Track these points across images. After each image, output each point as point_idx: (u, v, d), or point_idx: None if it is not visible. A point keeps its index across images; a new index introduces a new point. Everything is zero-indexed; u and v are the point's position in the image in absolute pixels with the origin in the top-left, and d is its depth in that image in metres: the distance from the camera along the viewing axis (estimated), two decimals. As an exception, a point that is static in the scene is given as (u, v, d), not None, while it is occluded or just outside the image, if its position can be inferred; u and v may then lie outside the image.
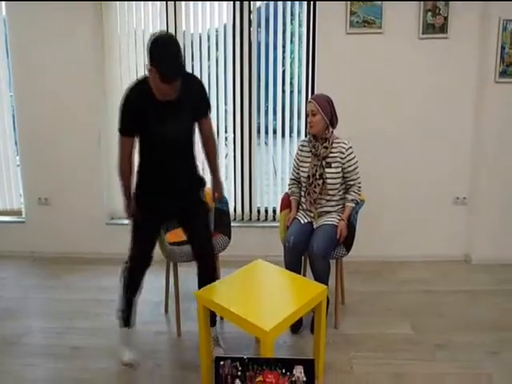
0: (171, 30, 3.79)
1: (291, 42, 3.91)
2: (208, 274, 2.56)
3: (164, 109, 2.22)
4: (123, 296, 2.54)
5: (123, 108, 2.27)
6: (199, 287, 2.52)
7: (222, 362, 1.91)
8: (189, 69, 3.87)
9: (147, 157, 2.41)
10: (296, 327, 2.82)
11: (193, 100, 2.32)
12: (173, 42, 2.14)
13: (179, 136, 2.36)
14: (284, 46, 3.86)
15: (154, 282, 3.47)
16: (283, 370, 1.89)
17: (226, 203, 3.11)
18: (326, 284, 2.52)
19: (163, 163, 2.39)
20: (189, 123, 2.39)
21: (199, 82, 2.42)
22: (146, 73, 2.16)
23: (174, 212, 2.55)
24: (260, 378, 1.89)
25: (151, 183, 2.44)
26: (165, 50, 2.09)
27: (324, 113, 2.78)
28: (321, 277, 2.65)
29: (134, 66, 3.91)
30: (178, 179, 2.43)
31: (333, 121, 2.86)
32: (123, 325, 2.58)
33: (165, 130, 2.28)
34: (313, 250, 2.68)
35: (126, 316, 2.57)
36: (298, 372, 1.89)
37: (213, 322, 2.62)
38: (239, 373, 1.90)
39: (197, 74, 3.87)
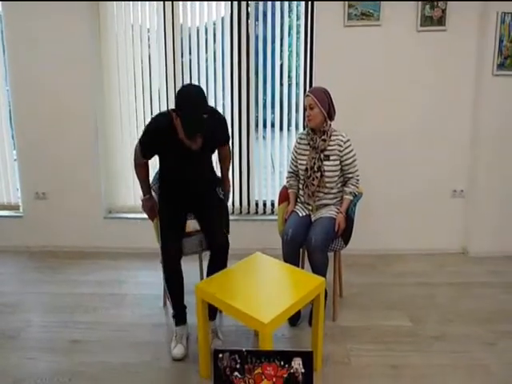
0: (168, 24, 3.78)
1: (289, 35, 3.89)
2: (219, 264, 2.64)
3: (185, 151, 2.39)
4: (171, 296, 2.63)
5: (149, 133, 2.48)
6: (208, 275, 2.63)
7: (220, 355, 1.92)
8: (186, 62, 3.86)
9: (166, 173, 2.71)
10: (294, 320, 2.83)
11: (214, 136, 2.51)
12: (196, 93, 2.28)
13: (196, 173, 2.61)
14: (282, 39, 3.84)
15: (153, 276, 3.50)
16: (282, 362, 1.90)
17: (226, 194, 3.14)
18: (324, 276, 2.53)
19: (182, 178, 2.62)
20: (208, 155, 2.68)
21: (221, 119, 2.64)
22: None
23: (192, 206, 2.76)
24: (259, 370, 1.90)
25: (171, 192, 2.72)
26: (188, 104, 2.24)
27: (322, 106, 2.78)
28: (319, 269, 2.66)
29: (132, 59, 3.89)
30: (194, 186, 2.67)
31: (331, 113, 2.86)
32: (177, 324, 2.65)
33: (183, 170, 2.55)
34: (311, 242, 2.68)
35: (179, 315, 2.65)
36: (297, 364, 1.90)
37: (213, 316, 2.65)
38: (238, 365, 1.91)
39: (194, 67, 3.86)
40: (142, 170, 2.71)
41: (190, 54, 3.87)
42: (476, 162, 3.83)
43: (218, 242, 2.67)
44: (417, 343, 2.67)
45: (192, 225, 2.78)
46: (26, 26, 3.70)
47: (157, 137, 2.46)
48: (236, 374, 1.91)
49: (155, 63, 3.92)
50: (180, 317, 2.65)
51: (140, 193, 2.83)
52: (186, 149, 2.38)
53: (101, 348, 2.63)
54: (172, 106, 3.83)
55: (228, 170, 3.01)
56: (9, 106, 4.01)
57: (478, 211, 3.90)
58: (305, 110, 2.88)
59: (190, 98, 2.26)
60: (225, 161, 2.92)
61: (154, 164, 2.81)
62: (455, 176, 3.92)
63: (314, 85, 3.73)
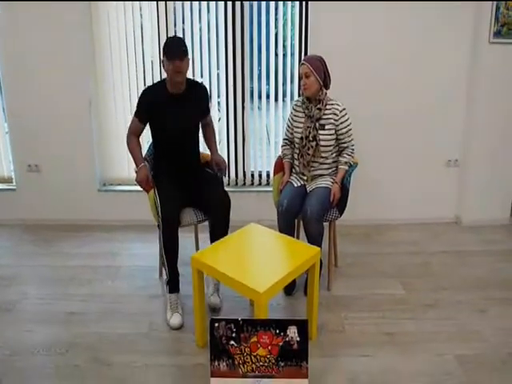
0: (161, 1, 3.67)
1: (283, 3, 3.80)
2: (223, 223, 2.75)
3: (174, 101, 2.73)
4: (165, 261, 2.67)
5: (141, 97, 2.79)
6: (212, 241, 2.71)
7: (216, 324, 1.93)
8: (179, 33, 3.78)
9: (159, 144, 2.90)
10: (289, 289, 2.85)
11: (199, 100, 2.88)
12: (178, 37, 2.78)
13: (184, 124, 2.80)
14: (276, 8, 3.75)
15: (148, 248, 3.51)
16: (277, 331, 1.92)
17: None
18: (320, 247, 2.54)
19: (173, 145, 2.82)
20: (193, 116, 2.86)
21: (204, 87, 2.99)
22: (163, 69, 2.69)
23: (187, 177, 2.86)
24: (254, 339, 1.93)
25: (164, 160, 2.88)
26: (170, 39, 2.78)
27: (317, 74, 2.74)
28: (315, 240, 2.67)
29: (124, 29, 3.78)
30: (184, 156, 2.87)
31: (326, 81, 2.82)
32: (171, 291, 2.69)
33: (173, 117, 2.74)
34: (307, 213, 2.68)
35: (173, 282, 2.69)
36: (292, 332, 1.92)
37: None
38: (234, 334, 1.93)
39: (188, 38, 3.77)
40: (133, 139, 2.83)
41: (183, 23, 3.77)
42: (471, 132, 3.81)
43: (220, 198, 2.77)
44: (410, 311, 2.70)
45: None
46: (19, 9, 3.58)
47: (149, 95, 2.77)
48: (232, 342, 1.93)
49: (147, 33, 3.83)
50: (174, 284, 2.69)
51: (134, 166, 2.82)
52: (175, 104, 2.73)
53: (97, 319, 2.65)
54: (164, 76, 3.80)
55: (216, 143, 3.07)
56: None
57: (471, 181, 3.90)
58: (300, 79, 2.83)
59: (175, 37, 2.88)
60: (211, 133, 3.06)
61: (147, 138, 2.90)
62: (450, 146, 3.91)
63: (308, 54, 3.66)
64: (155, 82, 3.10)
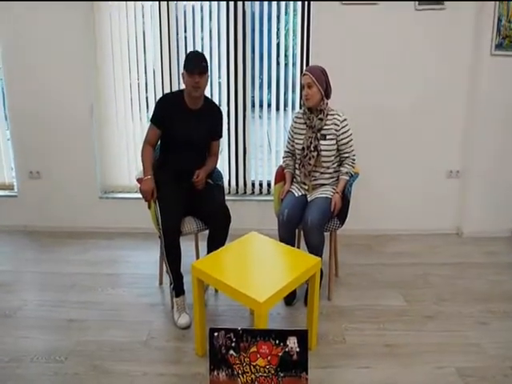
0: (163, 1, 3.70)
1: (286, 13, 3.82)
2: (221, 235, 2.76)
3: (188, 114, 2.78)
4: (169, 269, 2.68)
5: (159, 103, 2.84)
6: (209, 251, 2.70)
7: (216, 334, 1.93)
8: (182, 41, 3.80)
9: (166, 150, 2.90)
10: (290, 299, 2.85)
11: (212, 120, 2.92)
12: (199, 52, 2.81)
13: (194, 139, 2.81)
14: (278, 17, 3.78)
15: (148, 256, 3.51)
16: (277, 341, 1.91)
17: (221, 177, 3.12)
18: (321, 257, 2.54)
19: (179, 157, 2.82)
20: (204, 133, 2.87)
21: (220, 110, 3.00)
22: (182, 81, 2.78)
23: (188, 185, 2.83)
24: (254, 349, 1.92)
25: (168, 167, 2.87)
26: (192, 53, 2.78)
27: (320, 84, 2.75)
28: (315, 249, 2.67)
29: (126, 36, 3.81)
30: (188, 167, 2.84)
31: (327, 92, 2.83)
32: (177, 295, 2.70)
33: (184, 130, 2.76)
34: (307, 223, 2.68)
35: (178, 286, 2.70)
36: (292, 343, 1.91)
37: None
38: (233, 344, 1.92)
39: (190, 45, 3.81)
40: (148, 149, 2.84)
41: (185, 31, 3.80)
42: (472, 143, 3.82)
43: (220, 212, 2.76)
44: (411, 322, 2.69)
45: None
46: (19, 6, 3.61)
47: (167, 103, 2.82)
48: (231, 352, 1.92)
49: (150, 41, 3.86)
50: (179, 288, 2.70)
51: (136, 174, 2.85)
52: (189, 118, 2.77)
53: (97, 327, 2.64)
54: (166, 85, 3.79)
55: (210, 167, 3.01)
56: (1, 86, 3.94)
57: (472, 192, 3.91)
58: (301, 89, 2.85)
59: (195, 51, 2.94)
60: (214, 157, 3.04)
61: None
62: (451, 157, 3.91)
63: (310, 64, 3.68)
64: (174, 90, 3.19)
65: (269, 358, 1.91)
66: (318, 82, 2.75)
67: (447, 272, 3.33)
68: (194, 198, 2.82)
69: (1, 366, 2.29)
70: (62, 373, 2.25)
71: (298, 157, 2.95)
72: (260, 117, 4.09)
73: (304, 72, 2.82)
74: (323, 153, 2.83)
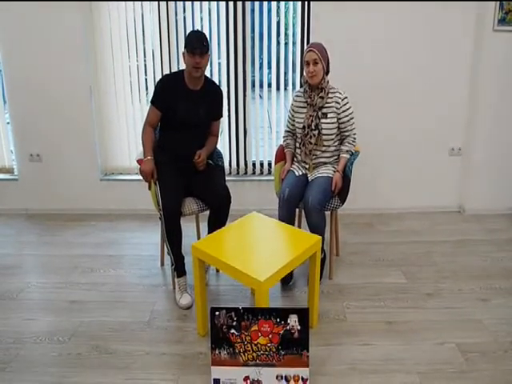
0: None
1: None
2: (221, 217, 2.77)
3: (188, 95, 2.75)
4: (170, 250, 2.70)
5: (159, 84, 2.79)
6: (210, 231, 2.72)
7: (217, 313, 1.94)
8: (181, 21, 3.74)
9: (167, 131, 2.87)
10: (286, 280, 2.84)
11: (212, 100, 2.88)
12: (200, 32, 2.71)
13: (194, 119, 2.79)
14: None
15: (150, 237, 3.52)
16: (278, 319, 1.92)
17: (221, 158, 3.11)
18: (322, 236, 2.53)
19: (179, 135, 2.81)
20: (205, 114, 2.84)
21: (221, 91, 2.96)
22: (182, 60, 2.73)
23: (190, 169, 2.82)
24: (255, 328, 1.93)
25: (168, 148, 2.85)
26: (193, 33, 2.71)
27: (324, 61, 2.72)
28: (316, 229, 2.66)
29: (124, 17, 3.75)
30: (189, 147, 2.81)
31: (328, 69, 2.79)
32: (179, 275, 2.73)
33: (185, 110, 2.74)
34: (308, 202, 2.67)
35: (179, 267, 2.73)
36: (293, 321, 1.93)
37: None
38: (234, 323, 1.93)
39: (188, 26, 3.75)
40: (148, 130, 2.81)
41: (184, 12, 3.74)
42: (474, 120, 3.79)
43: (221, 194, 2.76)
44: (412, 300, 2.70)
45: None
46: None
47: (167, 83, 2.77)
48: (233, 331, 1.93)
49: (149, 22, 3.79)
50: (181, 268, 2.72)
51: (136, 155, 2.83)
52: (190, 98, 2.74)
53: (99, 308, 2.66)
54: (165, 66, 3.74)
55: (210, 148, 2.97)
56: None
57: (474, 169, 3.89)
58: (307, 65, 2.74)
59: (196, 30, 2.80)
60: (214, 137, 3.01)
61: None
62: (453, 134, 3.88)
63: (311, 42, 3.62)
64: (174, 71, 3.14)
65: (270, 336, 1.92)
66: (323, 58, 2.71)
67: (448, 249, 3.33)
68: (194, 179, 2.81)
69: (5, 347, 2.31)
70: (65, 353, 2.27)
71: (299, 136, 2.92)
72: (260, 97, 4.05)
73: (309, 48, 2.73)
74: (324, 131, 2.80)
